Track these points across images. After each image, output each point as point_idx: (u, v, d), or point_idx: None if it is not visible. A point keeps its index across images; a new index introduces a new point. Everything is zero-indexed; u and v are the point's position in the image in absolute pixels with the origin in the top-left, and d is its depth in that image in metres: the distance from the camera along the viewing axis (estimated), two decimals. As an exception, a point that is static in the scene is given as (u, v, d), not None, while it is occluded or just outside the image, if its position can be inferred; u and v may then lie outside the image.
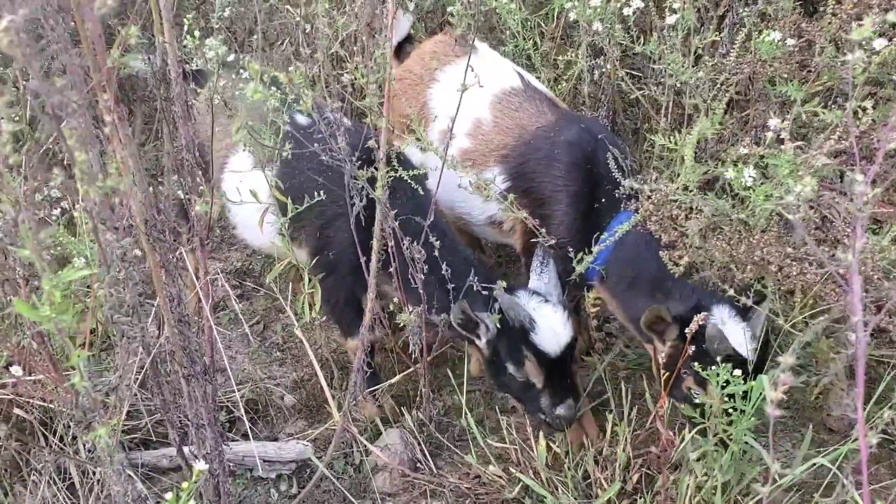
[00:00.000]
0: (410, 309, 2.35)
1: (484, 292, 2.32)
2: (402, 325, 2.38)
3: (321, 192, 2.25)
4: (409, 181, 2.25)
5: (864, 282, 1.81)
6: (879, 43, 1.69)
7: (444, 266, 2.28)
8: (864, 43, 1.76)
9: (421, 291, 2.31)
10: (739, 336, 2.12)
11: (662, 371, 2.25)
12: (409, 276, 2.32)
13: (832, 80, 2.25)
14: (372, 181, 2.16)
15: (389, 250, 2.30)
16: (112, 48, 1.43)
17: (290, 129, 2.16)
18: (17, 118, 1.31)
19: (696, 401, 2.19)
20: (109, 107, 1.35)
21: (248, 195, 2.23)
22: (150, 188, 1.68)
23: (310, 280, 2.86)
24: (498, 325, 2.25)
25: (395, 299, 2.44)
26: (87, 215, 1.44)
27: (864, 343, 1.07)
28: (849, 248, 1.04)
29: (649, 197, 2.18)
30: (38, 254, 1.16)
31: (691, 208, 2.11)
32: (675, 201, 2.10)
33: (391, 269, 2.36)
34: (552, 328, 2.25)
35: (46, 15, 1.31)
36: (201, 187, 2.00)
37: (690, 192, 2.02)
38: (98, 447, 1.52)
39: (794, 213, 1.18)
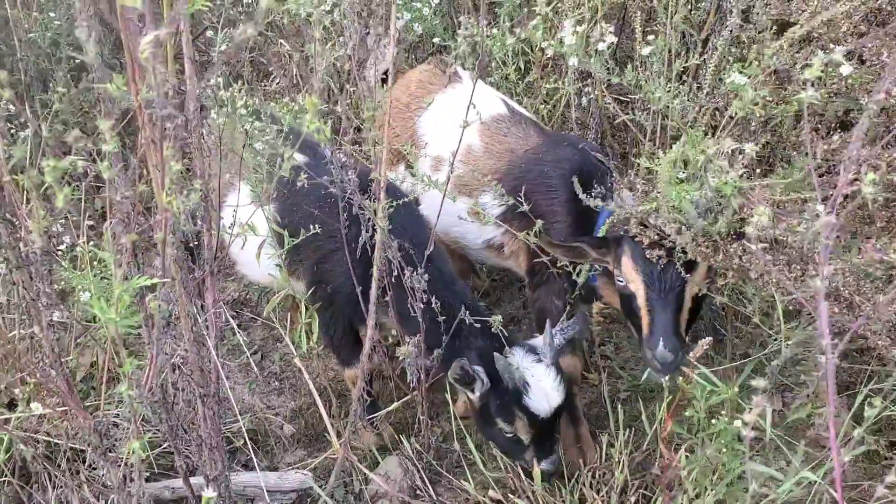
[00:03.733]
0: (408, 340, 2.39)
1: (477, 335, 2.35)
2: (400, 356, 2.41)
3: (318, 227, 2.29)
4: (408, 211, 2.30)
5: (835, 297, 1.85)
6: (846, 70, 1.74)
7: (434, 299, 2.31)
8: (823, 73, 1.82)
9: (420, 320, 2.34)
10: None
11: None
12: (407, 306, 2.35)
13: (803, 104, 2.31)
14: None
15: (385, 280, 2.34)
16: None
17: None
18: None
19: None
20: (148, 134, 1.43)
21: (247, 231, 2.27)
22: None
23: (307, 309, 2.91)
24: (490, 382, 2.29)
25: (394, 331, 2.47)
26: (158, 227, 1.49)
27: (832, 365, 1.11)
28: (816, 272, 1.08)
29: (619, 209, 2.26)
30: (119, 256, 1.21)
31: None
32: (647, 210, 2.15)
33: (387, 299, 2.40)
34: (544, 391, 2.28)
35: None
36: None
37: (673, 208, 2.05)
38: (111, 472, 1.55)
39: (756, 244, 1.22)
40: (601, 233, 2.46)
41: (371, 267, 2.25)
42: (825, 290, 1.09)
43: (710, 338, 2.08)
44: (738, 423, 1.92)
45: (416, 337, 2.36)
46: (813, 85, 1.21)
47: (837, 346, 1.16)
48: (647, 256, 2.20)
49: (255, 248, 2.40)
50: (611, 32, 2.08)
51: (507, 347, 2.33)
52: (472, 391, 2.34)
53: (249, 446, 2.48)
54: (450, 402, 2.66)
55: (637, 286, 2.25)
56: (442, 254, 2.55)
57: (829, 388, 1.15)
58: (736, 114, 1.79)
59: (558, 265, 2.53)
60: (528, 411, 2.28)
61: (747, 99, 1.74)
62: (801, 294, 1.36)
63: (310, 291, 2.57)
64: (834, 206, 1.11)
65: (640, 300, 2.24)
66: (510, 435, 2.35)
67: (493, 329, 2.32)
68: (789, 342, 1.68)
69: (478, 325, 2.34)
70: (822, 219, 1.08)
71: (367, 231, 2.28)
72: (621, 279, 2.30)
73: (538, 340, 2.40)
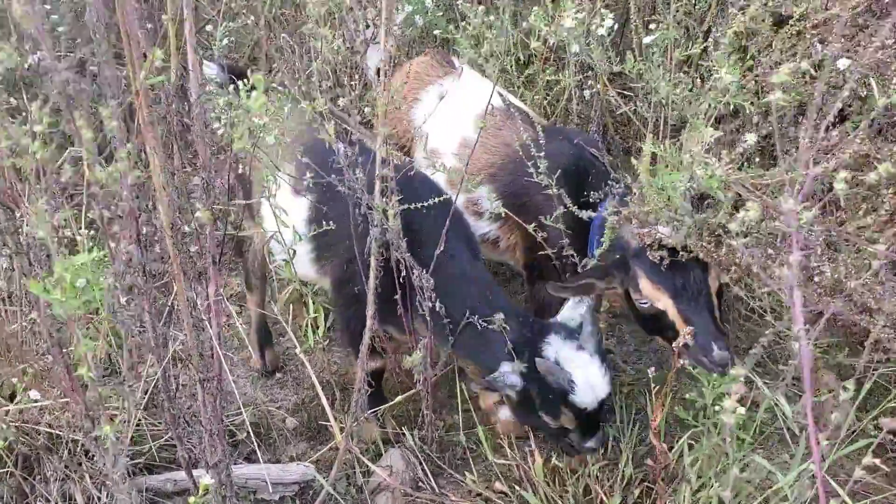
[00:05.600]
0: (427, 339, 2.37)
1: (507, 329, 2.26)
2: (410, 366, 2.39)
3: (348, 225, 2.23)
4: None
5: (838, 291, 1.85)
6: (843, 63, 1.73)
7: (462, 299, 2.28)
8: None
9: (428, 317, 2.29)
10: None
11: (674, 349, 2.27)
12: (423, 308, 2.29)
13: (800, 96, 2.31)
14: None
15: (403, 281, 2.30)
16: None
17: (326, 157, 2.15)
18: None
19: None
20: (145, 117, 1.42)
21: (286, 224, 2.24)
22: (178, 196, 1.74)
23: (313, 303, 2.92)
24: (527, 378, 2.21)
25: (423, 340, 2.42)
26: (94, 201, 1.47)
27: (807, 352, 1.12)
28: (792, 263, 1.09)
29: (619, 211, 2.26)
30: (51, 237, 1.20)
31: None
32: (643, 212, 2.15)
33: (412, 302, 2.34)
34: (591, 385, 2.18)
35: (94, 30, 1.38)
36: (217, 206, 2.02)
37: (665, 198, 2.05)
38: (101, 454, 1.55)
39: (739, 239, 1.23)
40: (604, 240, 2.43)
41: (399, 271, 2.23)
42: (797, 277, 1.09)
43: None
44: (740, 410, 1.92)
45: (438, 340, 2.34)
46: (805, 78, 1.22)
47: (811, 332, 1.17)
48: (662, 270, 2.18)
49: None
50: (610, 17, 2.07)
51: (543, 338, 2.23)
52: (506, 392, 2.27)
53: (252, 439, 2.49)
54: (457, 395, 2.66)
55: (665, 302, 2.21)
56: (462, 252, 2.45)
57: (805, 375, 1.15)
58: (715, 105, 1.78)
59: (557, 259, 2.52)
60: (575, 407, 2.19)
61: (725, 83, 1.71)
62: (772, 287, 1.36)
63: (335, 289, 2.54)
64: (802, 193, 1.11)
65: (673, 314, 2.21)
66: (555, 427, 2.28)
67: (497, 326, 2.25)
68: (768, 332, 1.67)
69: (506, 315, 2.25)
70: (787, 205, 1.08)
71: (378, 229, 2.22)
72: (644, 301, 2.25)
73: (566, 313, 2.31)
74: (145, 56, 1.52)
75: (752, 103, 2.05)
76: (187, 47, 1.80)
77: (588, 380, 2.18)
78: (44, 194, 1.30)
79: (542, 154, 2.37)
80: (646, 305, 2.26)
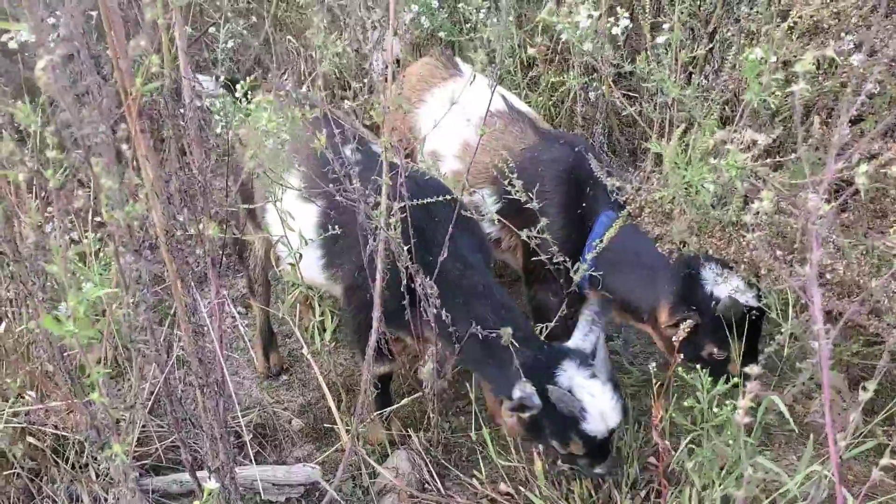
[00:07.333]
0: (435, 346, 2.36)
1: (520, 348, 2.19)
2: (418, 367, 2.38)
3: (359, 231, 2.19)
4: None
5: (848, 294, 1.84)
6: (857, 59, 1.72)
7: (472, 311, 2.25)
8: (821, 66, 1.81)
9: (433, 324, 2.27)
10: (738, 284, 2.29)
11: (673, 342, 2.34)
12: (428, 314, 2.27)
13: (811, 94, 2.30)
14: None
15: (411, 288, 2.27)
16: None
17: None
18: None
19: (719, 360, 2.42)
20: (136, 125, 1.42)
21: (293, 228, 2.23)
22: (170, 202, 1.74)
23: (319, 305, 2.91)
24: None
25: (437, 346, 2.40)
26: (111, 239, 1.47)
27: (826, 351, 1.11)
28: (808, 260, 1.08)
29: (635, 195, 2.28)
30: (65, 269, 1.20)
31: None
32: (661, 199, 2.15)
33: (423, 311, 2.31)
34: (602, 413, 2.17)
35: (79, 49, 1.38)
36: (215, 210, 2.01)
37: (674, 187, 2.05)
38: (112, 467, 1.55)
39: (753, 232, 1.22)
40: (596, 243, 2.46)
41: (411, 278, 2.20)
42: (816, 276, 1.09)
43: None
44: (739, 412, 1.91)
45: (446, 348, 2.32)
46: (816, 75, 1.21)
47: (831, 332, 1.15)
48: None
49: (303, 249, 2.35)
50: (626, 17, 2.06)
51: (558, 363, 2.21)
52: (522, 413, 2.23)
53: (258, 440, 2.49)
54: (463, 396, 2.66)
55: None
56: (480, 267, 2.42)
57: (824, 373, 1.14)
58: (749, 101, 1.77)
59: (554, 262, 2.52)
60: (585, 435, 2.18)
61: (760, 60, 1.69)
62: (791, 283, 1.36)
63: (347, 295, 2.53)
64: (823, 192, 1.11)
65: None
66: (564, 453, 2.27)
67: (505, 340, 2.16)
68: (783, 331, 1.67)
69: (521, 336, 2.20)
70: (811, 202, 1.07)
71: (413, 237, 2.19)
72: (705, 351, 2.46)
73: (578, 341, 2.28)
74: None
75: (778, 96, 2.02)
76: (179, 52, 1.79)
77: (599, 409, 2.16)
78: (58, 226, 1.29)
79: (544, 158, 2.37)
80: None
